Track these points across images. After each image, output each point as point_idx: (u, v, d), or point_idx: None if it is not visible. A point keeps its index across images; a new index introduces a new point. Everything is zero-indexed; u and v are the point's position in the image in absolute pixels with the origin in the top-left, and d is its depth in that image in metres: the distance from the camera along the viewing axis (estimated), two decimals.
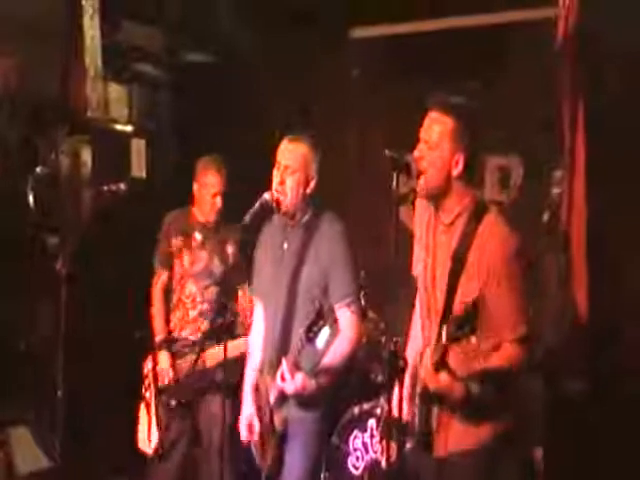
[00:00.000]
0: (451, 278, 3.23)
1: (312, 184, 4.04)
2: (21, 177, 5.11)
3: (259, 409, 4.11)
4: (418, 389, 3.29)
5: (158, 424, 4.91)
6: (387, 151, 3.22)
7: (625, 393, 4.48)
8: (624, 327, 4.57)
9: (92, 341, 5.23)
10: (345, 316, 3.93)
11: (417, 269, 3.46)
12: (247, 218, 3.91)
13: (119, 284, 5.33)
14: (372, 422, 4.77)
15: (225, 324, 4.40)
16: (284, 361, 3.86)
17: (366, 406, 4.78)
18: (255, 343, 4.26)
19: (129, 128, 6.08)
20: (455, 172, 3.25)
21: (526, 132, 5.47)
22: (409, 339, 3.58)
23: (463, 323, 3.01)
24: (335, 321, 3.68)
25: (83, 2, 5.65)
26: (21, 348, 5.20)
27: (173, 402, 4.90)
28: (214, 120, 6.29)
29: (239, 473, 4.87)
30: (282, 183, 3.98)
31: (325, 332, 3.66)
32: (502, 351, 3.17)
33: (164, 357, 4.92)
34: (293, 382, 3.85)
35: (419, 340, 3.46)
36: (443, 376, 3.13)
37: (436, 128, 3.26)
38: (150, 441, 4.94)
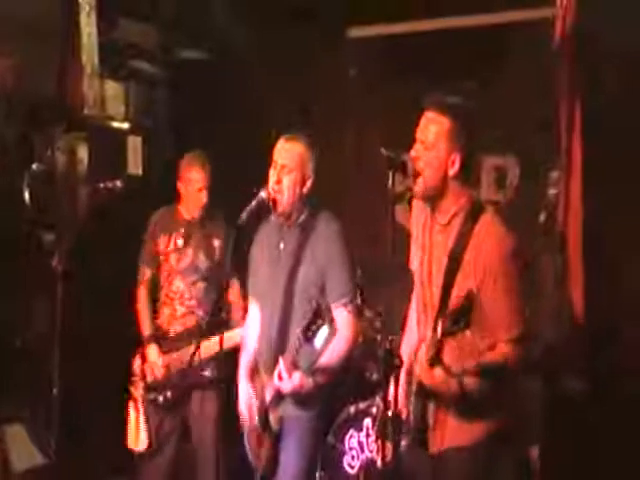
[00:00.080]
0: (447, 275, 3.24)
1: (308, 183, 4.04)
2: (17, 174, 5.10)
3: (255, 390, 4.11)
4: (413, 386, 3.30)
5: (146, 421, 4.93)
6: (383, 150, 3.23)
7: (622, 392, 4.49)
8: (621, 327, 4.58)
9: (88, 338, 5.22)
10: (342, 315, 3.94)
11: (414, 265, 3.47)
12: (244, 215, 3.91)
13: (115, 281, 5.32)
14: (368, 421, 4.77)
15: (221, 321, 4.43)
16: (281, 360, 3.87)
17: (362, 405, 4.78)
18: (249, 341, 4.26)
19: (125, 125, 6.07)
20: (451, 172, 3.25)
21: (523, 132, 5.46)
22: (404, 335, 3.60)
23: (458, 317, 3.02)
24: (332, 320, 3.68)
25: (80, 0, 5.64)
26: (17, 345, 5.19)
27: (161, 398, 4.91)
28: (210, 117, 6.29)
29: (232, 469, 4.86)
30: (279, 182, 3.98)
31: (323, 331, 3.66)
32: (497, 350, 3.19)
33: (153, 352, 4.93)
34: (290, 381, 3.86)
35: (414, 336, 3.47)
36: (438, 372, 3.14)
37: (432, 128, 3.26)
38: (137, 439, 4.95)
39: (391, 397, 3.22)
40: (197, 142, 5.35)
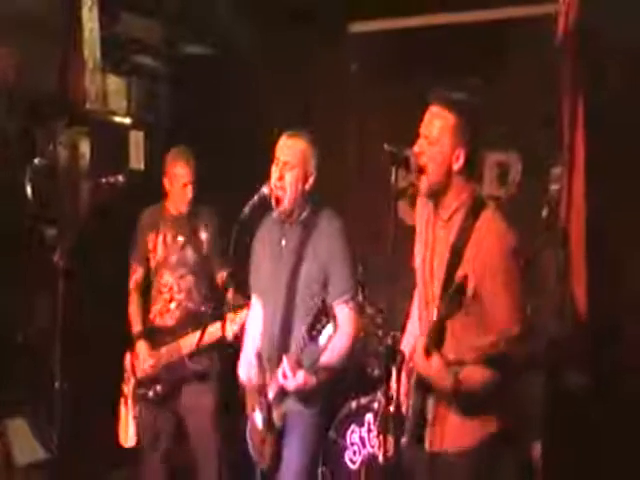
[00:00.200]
0: (448, 270, 3.23)
1: (311, 180, 4.02)
2: (19, 168, 5.10)
3: (258, 356, 4.11)
4: (413, 380, 3.30)
5: (134, 417, 4.95)
6: (386, 145, 3.22)
7: (625, 389, 4.48)
8: (623, 323, 4.57)
9: (89, 333, 5.23)
10: (343, 312, 3.93)
11: (416, 262, 3.47)
12: (246, 210, 3.91)
13: (117, 276, 5.31)
14: (369, 416, 4.78)
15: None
16: (285, 358, 3.86)
17: (363, 400, 4.79)
18: (252, 337, 4.26)
19: (127, 120, 6.07)
20: (456, 167, 3.25)
21: (525, 128, 5.46)
22: (406, 331, 3.59)
23: (452, 298, 3.02)
24: (334, 317, 3.67)
25: None
26: (18, 340, 5.20)
27: (151, 393, 4.91)
28: (212, 113, 6.28)
29: (233, 463, 4.87)
30: (281, 179, 3.97)
31: (328, 330, 3.66)
32: (496, 345, 3.17)
33: (142, 347, 4.93)
34: (295, 380, 3.85)
35: (416, 332, 3.47)
36: (435, 361, 3.13)
37: (437, 123, 3.25)
38: (127, 435, 4.98)
39: (393, 392, 3.22)
40: (199, 137, 5.35)
